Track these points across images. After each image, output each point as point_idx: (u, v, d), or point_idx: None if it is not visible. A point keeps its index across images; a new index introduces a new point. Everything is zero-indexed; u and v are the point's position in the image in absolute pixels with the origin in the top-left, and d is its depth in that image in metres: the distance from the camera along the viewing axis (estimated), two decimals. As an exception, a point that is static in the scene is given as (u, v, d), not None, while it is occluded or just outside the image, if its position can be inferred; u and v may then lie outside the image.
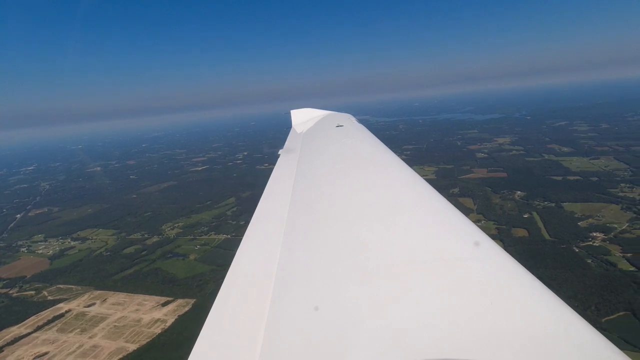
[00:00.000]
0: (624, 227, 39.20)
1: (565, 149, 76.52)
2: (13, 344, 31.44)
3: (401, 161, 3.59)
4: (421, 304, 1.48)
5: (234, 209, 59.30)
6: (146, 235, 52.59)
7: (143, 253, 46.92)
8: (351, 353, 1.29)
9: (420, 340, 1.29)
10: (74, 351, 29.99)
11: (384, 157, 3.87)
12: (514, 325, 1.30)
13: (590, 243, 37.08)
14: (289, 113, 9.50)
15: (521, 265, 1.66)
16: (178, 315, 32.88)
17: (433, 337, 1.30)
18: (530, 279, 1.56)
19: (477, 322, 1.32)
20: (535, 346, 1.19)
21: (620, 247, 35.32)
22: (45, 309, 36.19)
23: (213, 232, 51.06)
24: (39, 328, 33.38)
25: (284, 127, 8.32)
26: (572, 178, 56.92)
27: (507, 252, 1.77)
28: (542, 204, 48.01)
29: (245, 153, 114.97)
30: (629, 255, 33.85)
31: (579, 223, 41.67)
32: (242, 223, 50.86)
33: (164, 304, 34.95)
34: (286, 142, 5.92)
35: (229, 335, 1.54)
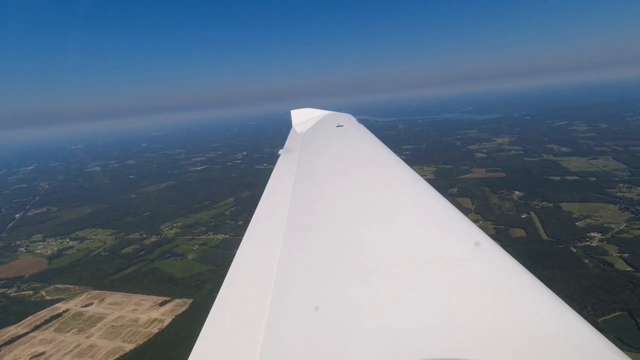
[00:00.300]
0: (621, 227, 39.34)
1: (564, 149, 76.76)
2: (10, 343, 31.34)
3: (401, 161, 3.59)
4: (421, 304, 1.48)
5: (233, 208, 59.24)
6: (144, 235, 52.48)
7: (141, 253, 46.83)
8: (351, 353, 1.28)
9: (420, 340, 1.29)
10: (71, 351, 29.91)
11: (384, 157, 3.87)
12: (514, 325, 1.30)
13: (588, 243, 37.21)
14: (289, 113, 9.48)
15: (521, 265, 1.66)
16: (175, 315, 32.85)
17: (433, 337, 1.29)
18: (531, 279, 1.56)
19: (477, 322, 1.32)
20: (535, 346, 1.19)
21: (618, 247, 35.46)
22: (43, 309, 36.08)
23: (211, 232, 51.01)
24: (36, 328, 33.28)
25: (284, 127, 8.31)
26: (570, 178, 57.10)
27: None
28: (540, 204, 48.16)
29: (245, 153, 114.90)
30: (626, 255, 33.98)
31: (576, 223, 41.80)
32: (240, 223, 50.80)
33: (162, 304, 34.90)
34: (286, 142, 5.90)
35: (229, 335, 1.54)
